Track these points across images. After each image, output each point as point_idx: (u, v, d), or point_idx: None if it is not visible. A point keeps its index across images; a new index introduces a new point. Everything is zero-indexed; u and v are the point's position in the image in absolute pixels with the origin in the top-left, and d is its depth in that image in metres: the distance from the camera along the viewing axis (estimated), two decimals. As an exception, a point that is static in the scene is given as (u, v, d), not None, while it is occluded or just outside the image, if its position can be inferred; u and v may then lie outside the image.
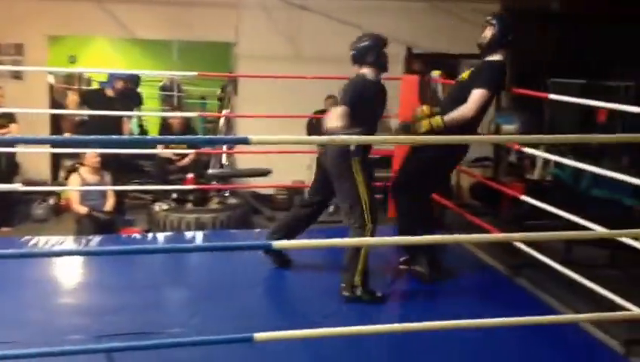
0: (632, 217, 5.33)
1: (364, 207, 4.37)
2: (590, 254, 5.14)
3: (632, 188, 5.30)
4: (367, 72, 4.55)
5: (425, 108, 4.71)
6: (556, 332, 3.86)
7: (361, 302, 4.29)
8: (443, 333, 3.56)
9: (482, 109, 4.49)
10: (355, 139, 3.88)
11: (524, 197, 5.17)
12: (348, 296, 4.33)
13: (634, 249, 4.08)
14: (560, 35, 7.51)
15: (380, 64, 4.55)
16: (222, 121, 10.03)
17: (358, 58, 4.58)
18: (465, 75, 4.71)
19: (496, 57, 4.55)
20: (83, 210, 6.72)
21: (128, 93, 8.96)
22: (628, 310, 3.85)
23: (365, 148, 4.43)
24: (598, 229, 4.03)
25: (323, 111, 8.73)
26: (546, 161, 7.07)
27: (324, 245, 4.45)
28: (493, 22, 4.53)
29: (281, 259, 4.86)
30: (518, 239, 4.62)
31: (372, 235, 4.39)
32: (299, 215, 4.94)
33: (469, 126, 4.44)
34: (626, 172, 4.61)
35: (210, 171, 8.33)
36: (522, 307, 3.86)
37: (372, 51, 4.53)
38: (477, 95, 4.41)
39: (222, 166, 8.94)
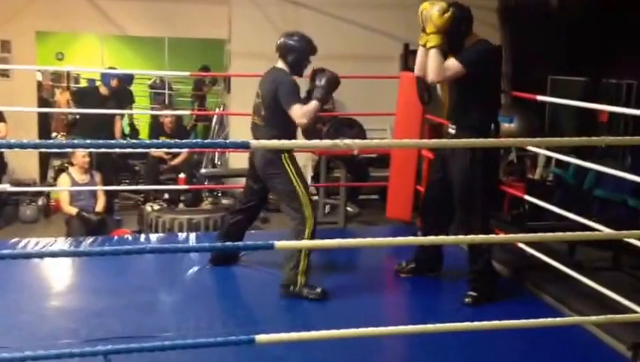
0: (636, 218, 5.26)
1: (301, 200, 4.37)
2: (594, 256, 5.08)
3: (636, 189, 5.23)
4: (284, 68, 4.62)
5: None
6: (561, 336, 3.81)
7: (302, 299, 4.33)
8: (446, 335, 3.52)
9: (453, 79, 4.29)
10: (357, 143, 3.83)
11: (527, 197, 5.11)
12: (287, 294, 4.38)
13: (639, 250, 4.02)
14: (560, 30, 7.46)
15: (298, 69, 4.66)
16: (214, 119, 9.94)
17: (283, 52, 4.64)
18: None
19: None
20: (73, 210, 6.61)
21: (121, 92, 8.84)
22: (635, 312, 3.78)
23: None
24: (603, 230, 3.97)
25: (318, 110, 8.67)
26: (548, 160, 7.01)
27: (322, 246, 4.38)
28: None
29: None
30: (519, 240, 4.55)
31: (313, 229, 4.37)
32: (232, 225, 4.92)
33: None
34: (630, 172, 4.53)
35: (202, 171, 8.24)
36: (526, 309, 3.79)
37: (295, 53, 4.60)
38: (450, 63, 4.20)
39: (214, 165, 8.85)
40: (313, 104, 4.44)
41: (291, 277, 4.38)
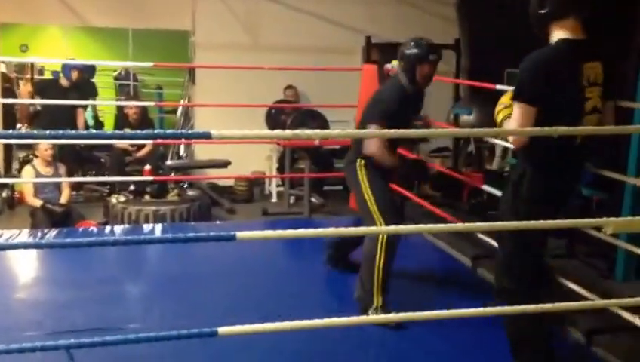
0: (589, 207, 5.40)
1: (373, 213, 4.08)
2: (549, 244, 5.17)
3: (590, 178, 5.35)
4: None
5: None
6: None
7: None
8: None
9: None
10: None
11: (485, 187, 5.21)
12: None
13: (592, 238, 4.14)
14: (518, 24, 7.53)
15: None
16: (179, 111, 9.91)
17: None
18: None
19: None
20: (37, 202, 6.57)
21: (83, 84, 8.77)
22: (589, 299, 3.90)
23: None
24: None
25: (282, 101, 8.70)
26: (505, 151, 7.14)
27: (285, 236, 4.40)
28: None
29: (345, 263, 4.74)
30: (478, 229, 4.65)
31: (390, 244, 4.01)
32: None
33: None
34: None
35: (168, 162, 8.23)
36: (483, 297, 3.87)
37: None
38: None
39: (180, 157, 8.85)
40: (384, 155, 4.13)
41: (366, 298, 4.06)
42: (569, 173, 3.23)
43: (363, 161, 4.18)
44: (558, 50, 3.03)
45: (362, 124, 4.25)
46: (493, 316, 3.25)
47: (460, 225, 3.48)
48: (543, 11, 3.07)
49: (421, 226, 4.21)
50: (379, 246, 4.02)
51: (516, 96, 3.06)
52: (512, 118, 3.07)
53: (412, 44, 4.17)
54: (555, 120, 2.81)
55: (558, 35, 3.06)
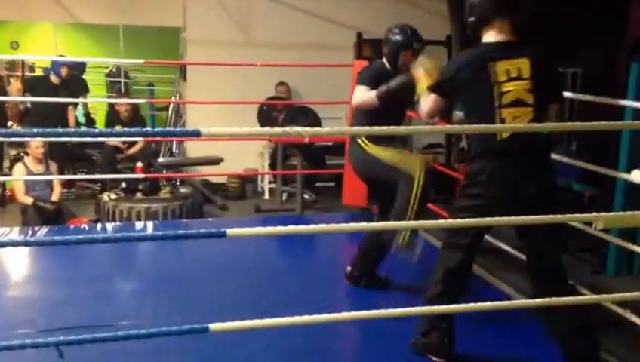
0: (581, 202, 5.42)
1: (397, 164, 4.08)
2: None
3: (581, 174, 5.38)
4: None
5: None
6: (509, 318, 3.88)
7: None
8: (393, 322, 3.58)
9: None
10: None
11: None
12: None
13: (584, 234, 4.15)
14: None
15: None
16: (170, 108, 9.89)
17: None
18: None
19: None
20: (28, 200, 6.56)
21: (73, 81, 8.74)
22: (581, 295, 3.91)
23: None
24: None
25: (274, 98, 8.70)
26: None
27: (276, 233, 4.39)
28: None
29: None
30: (470, 224, 4.64)
31: (420, 185, 4.01)
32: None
33: None
34: (574, 157, 4.68)
35: (160, 160, 8.22)
36: (474, 292, 3.88)
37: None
38: None
39: (172, 154, 8.83)
40: (369, 94, 4.16)
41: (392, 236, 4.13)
42: (509, 167, 3.26)
43: (364, 138, 4.25)
44: (475, 51, 3.40)
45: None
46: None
47: (451, 221, 3.50)
48: (471, 19, 3.42)
49: (414, 222, 4.23)
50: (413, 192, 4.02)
51: (433, 88, 3.51)
52: (426, 101, 3.56)
53: (397, 30, 4.30)
54: (472, 111, 3.40)
55: (485, 38, 3.38)
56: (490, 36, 3.34)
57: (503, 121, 3.19)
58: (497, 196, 3.26)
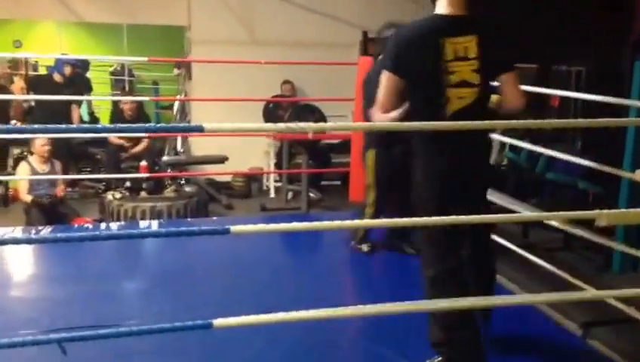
0: (586, 200, 5.40)
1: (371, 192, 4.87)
2: (546, 237, 5.19)
3: (586, 172, 5.37)
4: None
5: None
6: (514, 315, 3.86)
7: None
8: (399, 317, 3.56)
9: None
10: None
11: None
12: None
13: (588, 231, 4.14)
14: (510, 18, 7.53)
15: None
16: (176, 106, 9.88)
17: None
18: None
19: None
20: (28, 198, 6.53)
21: (77, 79, 8.74)
22: (585, 291, 3.90)
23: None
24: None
25: (279, 96, 8.69)
26: (502, 145, 7.13)
27: (279, 230, 4.40)
28: None
29: None
30: (475, 221, 4.63)
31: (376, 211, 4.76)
32: None
33: None
34: (580, 156, 4.66)
35: (164, 158, 8.21)
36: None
37: None
38: None
39: (177, 153, 8.82)
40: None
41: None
42: (455, 145, 3.16)
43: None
44: (422, 23, 3.17)
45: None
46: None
47: (457, 218, 3.48)
48: None
49: (417, 219, 4.21)
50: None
51: (383, 65, 3.20)
52: (380, 85, 3.19)
53: (396, 28, 4.22)
54: (420, 90, 3.09)
55: (437, 7, 3.17)
56: (441, 7, 3.15)
57: (447, 100, 3.05)
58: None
